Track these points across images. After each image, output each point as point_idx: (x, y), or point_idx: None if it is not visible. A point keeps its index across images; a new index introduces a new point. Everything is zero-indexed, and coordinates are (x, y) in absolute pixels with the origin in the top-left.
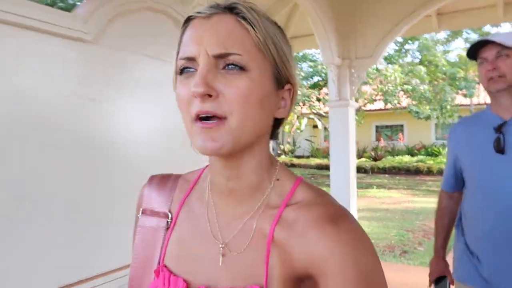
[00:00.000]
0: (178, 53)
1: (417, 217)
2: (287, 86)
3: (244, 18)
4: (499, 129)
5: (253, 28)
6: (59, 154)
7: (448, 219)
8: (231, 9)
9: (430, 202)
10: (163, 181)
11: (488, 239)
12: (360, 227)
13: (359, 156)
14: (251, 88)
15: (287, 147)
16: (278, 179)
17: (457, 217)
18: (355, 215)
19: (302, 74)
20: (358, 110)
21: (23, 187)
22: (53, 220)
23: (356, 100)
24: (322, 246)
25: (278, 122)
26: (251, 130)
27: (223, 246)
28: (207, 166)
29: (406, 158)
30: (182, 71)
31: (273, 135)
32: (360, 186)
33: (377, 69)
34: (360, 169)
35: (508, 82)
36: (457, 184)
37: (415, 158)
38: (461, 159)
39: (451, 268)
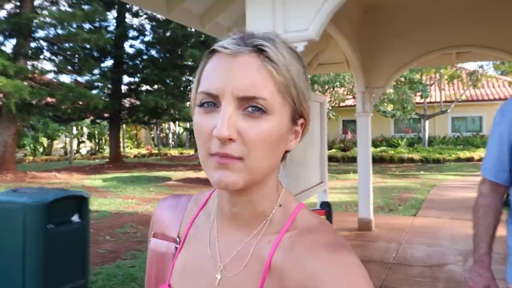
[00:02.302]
0: (198, 83)
1: (392, 191)
2: (300, 121)
3: (270, 60)
4: None
5: (277, 72)
6: None
7: (494, 219)
8: (258, 49)
9: (398, 182)
10: (174, 203)
11: None
12: (356, 257)
13: (329, 147)
14: (271, 131)
15: None
16: (280, 205)
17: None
18: (372, 187)
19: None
20: (333, 107)
21: None
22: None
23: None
24: (318, 273)
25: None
26: (266, 168)
27: (220, 267)
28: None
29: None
30: (202, 104)
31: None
32: (338, 172)
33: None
34: (332, 159)
35: None
36: (511, 175)
37: (378, 149)
38: None
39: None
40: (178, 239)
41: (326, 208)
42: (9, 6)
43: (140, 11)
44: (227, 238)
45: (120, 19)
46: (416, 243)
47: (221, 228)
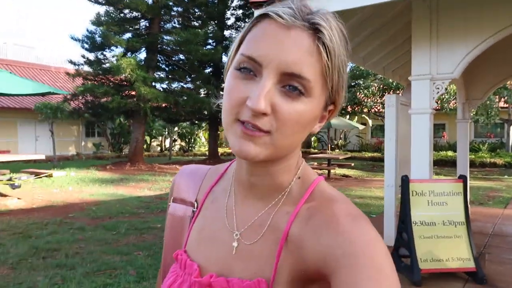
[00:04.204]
0: (240, 42)
1: (478, 190)
2: (330, 107)
3: (323, 43)
4: None
5: (327, 56)
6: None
7: None
8: (314, 27)
9: (482, 183)
10: (194, 171)
11: None
12: (375, 229)
13: None
14: (305, 113)
15: (339, 142)
16: (299, 177)
17: None
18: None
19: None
20: None
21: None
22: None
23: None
24: (336, 244)
25: None
26: (290, 147)
27: (237, 235)
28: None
29: (450, 153)
30: (240, 68)
31: None
32: None
33: None
34: None
35: None
36: None
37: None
38: None
39: None
40: (196, 203)
41: (463, 178)
42: (137, 25)
43: (235, 24)
44: (245, 208)
45: (220, 33)
46: (508, 224)
47: (239, 197)
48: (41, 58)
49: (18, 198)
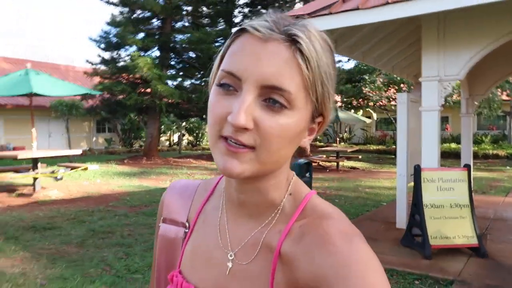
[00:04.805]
0: (222, 58)
1: (481, 181)
2: (318, 119)
3: (302, 54)
4: None
5: (307, 68)
6: None
7: None
8: (291, 39)
9: (485, 174)
10: (183, 189)
11: None
12: (369, 247)
13: None
14: (288, 127)
15: (345, 135)
16: (290, 194)
17: None
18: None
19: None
20: None
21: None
22: None
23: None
24: (328, 265)
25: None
26: (276, 162)
27: (231, 255)
28: None
29: (453, 145)
30: (221, 84)
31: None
32: None
33: None
34: None
35: None
36: None
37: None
38: None
39: None
40: (187, 224)
41: (468, 166)
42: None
43: (243, 22)
44: (237, 226)
45: (229, 30)
46: (509, 210)
47: (230, 216)
48: (48, 56)
49: (57, 190)
